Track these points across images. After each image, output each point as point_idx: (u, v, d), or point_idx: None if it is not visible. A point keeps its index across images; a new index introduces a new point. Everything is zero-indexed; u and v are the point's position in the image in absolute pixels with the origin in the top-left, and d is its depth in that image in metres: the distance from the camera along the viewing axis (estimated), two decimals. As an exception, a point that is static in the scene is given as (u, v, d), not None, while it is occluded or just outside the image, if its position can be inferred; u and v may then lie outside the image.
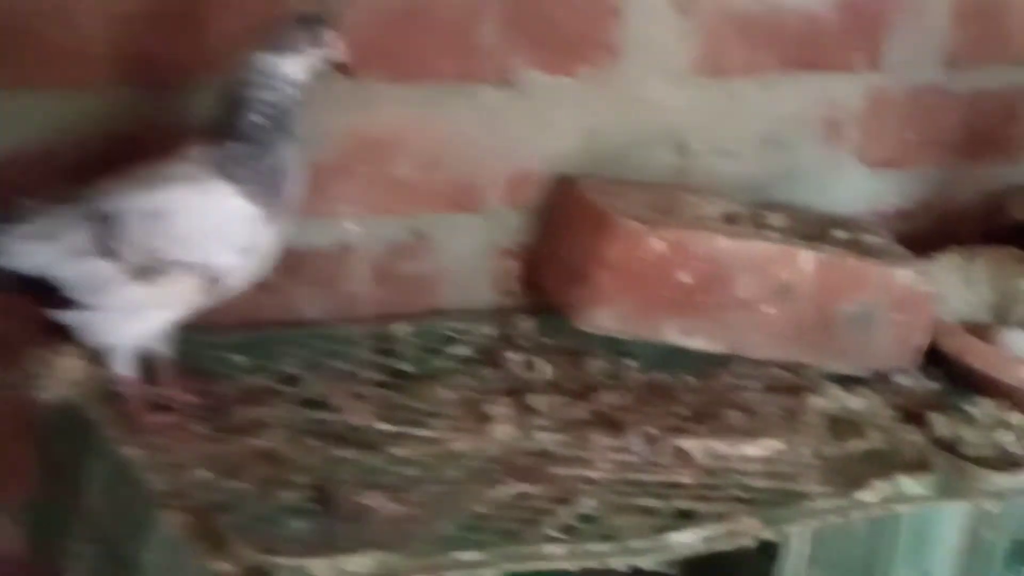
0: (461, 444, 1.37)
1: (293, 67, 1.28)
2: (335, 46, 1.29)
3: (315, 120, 1.34)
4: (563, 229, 1.58)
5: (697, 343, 1.53)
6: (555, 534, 1.25)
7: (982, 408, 1.54)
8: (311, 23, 1.28)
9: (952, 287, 1.72)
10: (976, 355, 1.57)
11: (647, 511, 1.30)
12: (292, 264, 1.43)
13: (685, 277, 1.50)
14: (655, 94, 1.64)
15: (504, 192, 1.60)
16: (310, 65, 1.29)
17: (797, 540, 1.33)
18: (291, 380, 1.42)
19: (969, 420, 1.52)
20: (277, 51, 1.27)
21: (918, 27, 1.77)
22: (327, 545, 1.16)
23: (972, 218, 1.89)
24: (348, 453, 1.32)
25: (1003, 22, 1.82)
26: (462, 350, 1.53)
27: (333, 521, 1.22)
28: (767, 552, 1.33)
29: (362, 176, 1.52)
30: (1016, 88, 1.87)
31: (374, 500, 1.25)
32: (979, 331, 1.65)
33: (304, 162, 1.31)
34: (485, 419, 1.41)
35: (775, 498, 1.34)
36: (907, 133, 1.81)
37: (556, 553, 1.23)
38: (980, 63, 1.82)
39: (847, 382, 1.55)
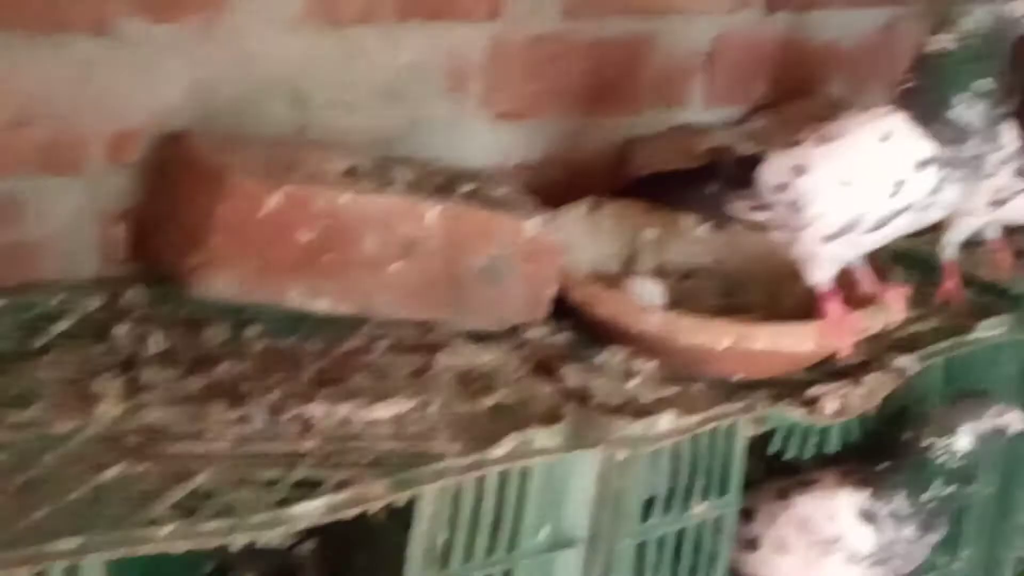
0: (63, 426, 1.26)
1: None
2: None
3: None
4: (174, 190, 1.48)
5: (323, 305, 1.46)
6: (167, 515, 1.16)
7: (611, 357, 1.53)
8: None
9: (580, 238, 1.71)
10: (604, 304, 1.56)
11: (268, 483, 1.23)
12: None
13: (307, 236, 1.43)
14: (267, 43, 1.55)
15: (106, 151, 1.48)
16: None
17: (429, 501, 1.28)
18: None
19: (599, 370, 1.51)
20: None
21: (537, -24, 1.76)
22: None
23: (599, 169, 1.89)
24: (-72, 443, 1.19)
25: (619, -29, 1.83)
26: (64, 325, 1.42)
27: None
28: (401, 516, 1.28)
29: (-63, 136, 1.37)
30: (636, 37, 1.87)
31: (-42, 492, 1.13)
32: (607, 281, 1.65)
33: None
34: (90, 398, 1.30)
35: (405, 460, 1.29)
36: (530, 84, 1.79)
37: (167, 534, 1.14)
38: (599, 12, 1.82)
39: (478, 338, 1.52)
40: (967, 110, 1.47)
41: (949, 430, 1.61)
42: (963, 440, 1.61)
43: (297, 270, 1.44)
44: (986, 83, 1.47)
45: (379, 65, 1.65)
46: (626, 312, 1.55)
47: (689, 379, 1.53)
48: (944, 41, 1.49)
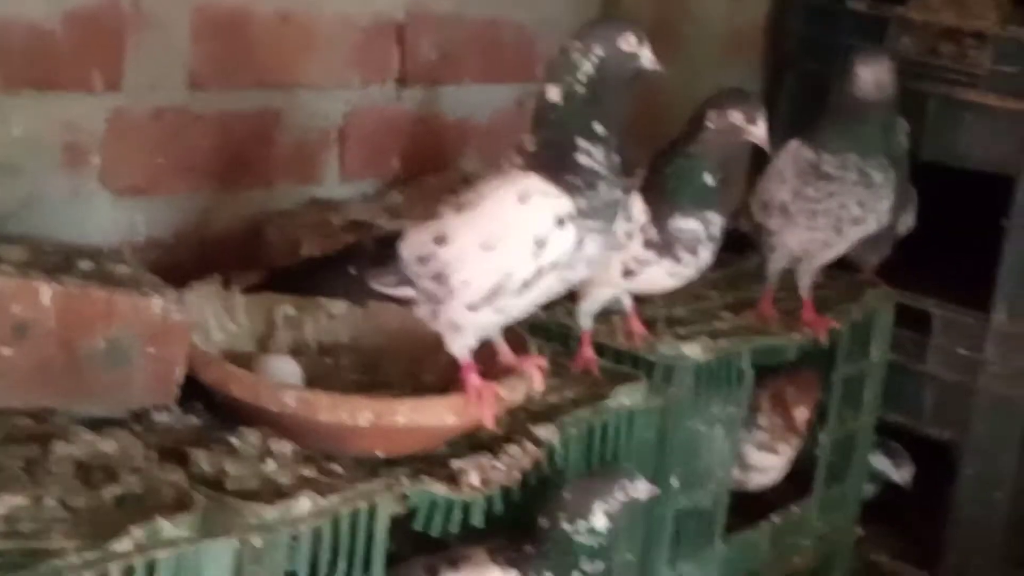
0: None
1: None
2: None
3: None
4: None
5: (-77, 396, 1.34)
6: None
7: (247, 439, 1.47)
8: None
9: (212, 316, 1.64)
10: (239, 384, 1.49)
11: None
12: None
13: (-97, 321, 1.31)
14: None
15: None
16: None
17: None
18: None
19: (234, 453, 1.44)
20: None
21: (159, 46, 1.69)
22: None
23: (234, 245, 1.83)
24: None
25: (245, 43, 1.78)
26: None
27: None
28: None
29: None
30: (266, 110, 1.83)
31: None
32: (241, 360, 1.59)
33: None
34: None
35: (16, 560, 1.19)
36: (155, 158, 1.72)
37: None
38: (226, 85, 1.77)
39: (100, 425, 1.43)
40: (589, 155, 1.49)
41: (583, 513, 1.62)
42: (599, 520, 1.62)
43: None
44: (602, 128, 1.50)
45: (-13, 138, 1.55)
46: (262, 392, 1.48)
47: (329, 458, 1.49)
48: (558, 91, 1.51)
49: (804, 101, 2.51)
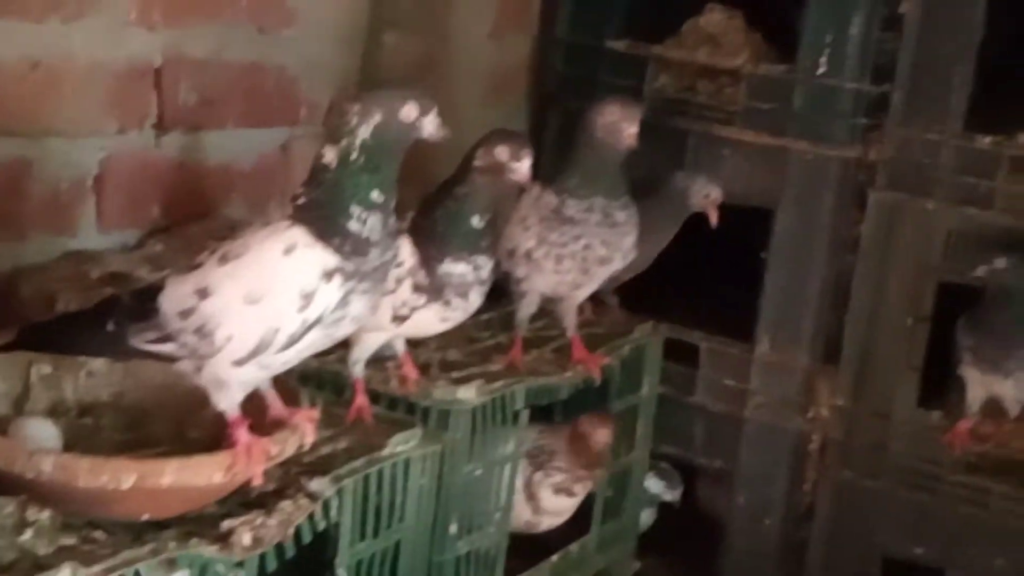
0: None
1: None
2: None
3: None
4: None
5: None
6: None
7: (1, 508, 1.39)
8: None
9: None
10: (-9, 451, 1.41)
11: None
12: None
13: None
14: None
15: None
16: None
17: None
18: None
19: (-14, 524, 1.37)
20: None
21: None
22: None
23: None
24: None
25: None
26: None
27: None
28: None
29: None
30: (15, 160, 1.76)
31: None
32: (-5, 424, 1.51)
33: None
34: None
35: None
36: None
37: None
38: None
39: None
40: (362, 222, 1.47)
41: None
42: None
43: None
44: (379, 194, 1.48)
45: None
46: (16, 457, 1.41)
47: (92, 525, 1.43)
48: (334, 153, 1.49)
49: (567, 139, 2.54)
